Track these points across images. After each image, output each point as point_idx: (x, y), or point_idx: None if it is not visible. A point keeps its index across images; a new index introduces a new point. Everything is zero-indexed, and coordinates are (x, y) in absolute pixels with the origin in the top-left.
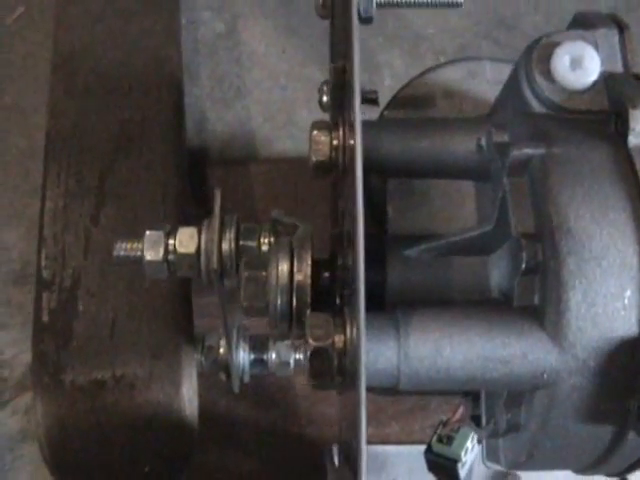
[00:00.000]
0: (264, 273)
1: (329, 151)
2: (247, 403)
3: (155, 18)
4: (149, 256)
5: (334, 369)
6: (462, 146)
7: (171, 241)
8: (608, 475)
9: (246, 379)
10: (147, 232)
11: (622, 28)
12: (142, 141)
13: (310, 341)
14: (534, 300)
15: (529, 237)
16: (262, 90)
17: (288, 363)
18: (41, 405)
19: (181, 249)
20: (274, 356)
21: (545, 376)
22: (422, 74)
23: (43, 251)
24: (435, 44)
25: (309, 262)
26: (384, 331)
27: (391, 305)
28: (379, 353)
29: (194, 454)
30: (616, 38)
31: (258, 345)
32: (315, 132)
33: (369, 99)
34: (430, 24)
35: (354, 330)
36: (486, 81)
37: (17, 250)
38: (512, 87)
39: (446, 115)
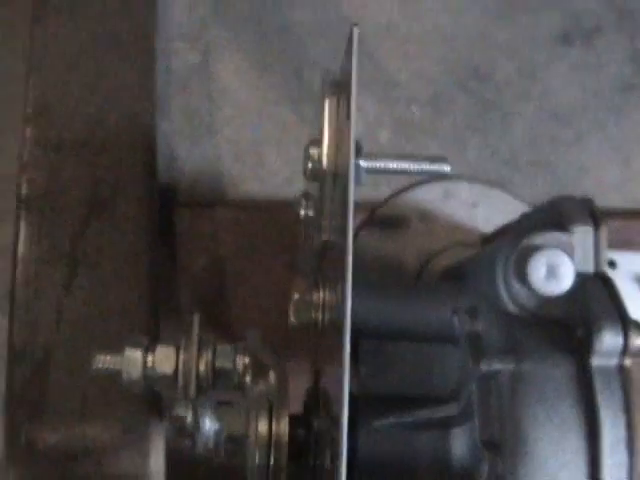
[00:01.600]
0: (242, 432)
1: (309, 313)
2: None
3: (130, 72)
4: (127, 374)
5: None
6: (435, 316)
7: (149, 358)
8: None
9: (211, 445)
10: (126, 350)
11: (597, 224)
12: (114, 204)
13: None
14: None
15: (491, 447)
16: (232, 128)
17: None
18: (13, 476)
19: (159, 369)
20: None
21: None
22: (398, 192)
23: (15, 319)
24: (408, 91)
25: (287, 420)
26: None
27: (358, 474)
28: None
29: None
30: (591, 236)
31: None
32: (296, 296)
33: None
34: (403, 70)
35: None
36: (460, 202)
37: None
38: (486, 271)
39: (420, 238)
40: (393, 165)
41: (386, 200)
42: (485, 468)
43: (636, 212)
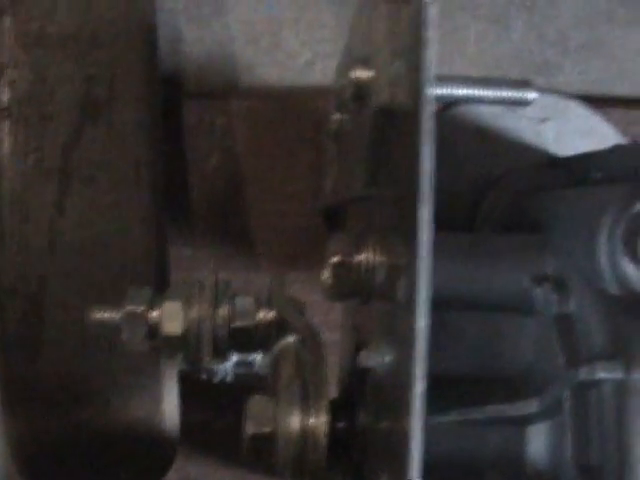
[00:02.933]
0: (268, 429)
1: (353, 278)
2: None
3: None
4: (129, 334)
5: None
6: (508, 280)
7: (155, 313)
8: None
9: (229, 378)
10: (126, 307)
11: None
12: (110, 106)
13: None
14: None
15: (589, 474)
16: (244, 7)
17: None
18: (11, 421)
19: (166, 330)
20: (259, 357)
21: None
22: (449, 105)
23: (3, 247)
24: None
25: (325, 412)
26: None
27: None
28: None
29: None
30: None
31: None
32: (335, 259)
33: None
34: None
35: None
36: (527, 117)
37: None
38: (580, 234)
39: (477, 161)
40: (469, 92)
41: (435, 114)
42: None
43: None
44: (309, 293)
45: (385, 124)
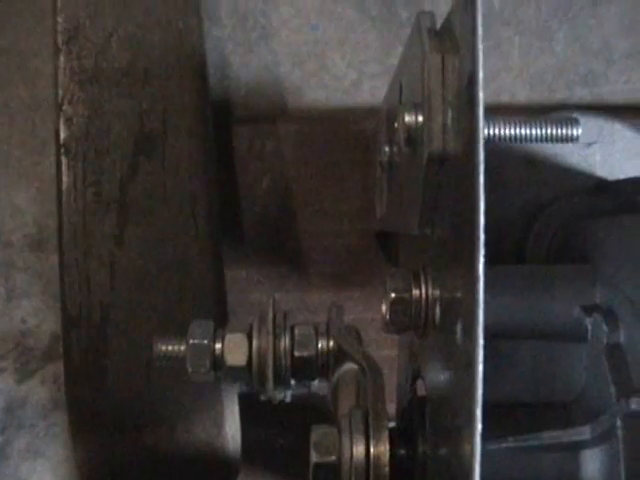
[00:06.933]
0: (333, 457)
1: (409, 312)
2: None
3: None
4: (193, 367)
5: None
6: (558, 310)
7: (218, 345)
8: None
9: (288, 399)
10: (190, 341)
11: None
12: (164, 140)
13: None
14: None
15: None
16: (289, 30)
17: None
18: (80, 449)
19: (230, 361)
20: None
21: None
22: None
23: (66, 280)
24: None
25: (386, 440)
26: None
27: None
28: None
29: None
30: None
31: None
32: (392, 295)
33: None
34: None
35: None
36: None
37: (30, 213)
38: (627, 266)
39: (525, 188)
40: (516, 131)
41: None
42: None
43: None
44: (362, 311)
45: (438, 169)
